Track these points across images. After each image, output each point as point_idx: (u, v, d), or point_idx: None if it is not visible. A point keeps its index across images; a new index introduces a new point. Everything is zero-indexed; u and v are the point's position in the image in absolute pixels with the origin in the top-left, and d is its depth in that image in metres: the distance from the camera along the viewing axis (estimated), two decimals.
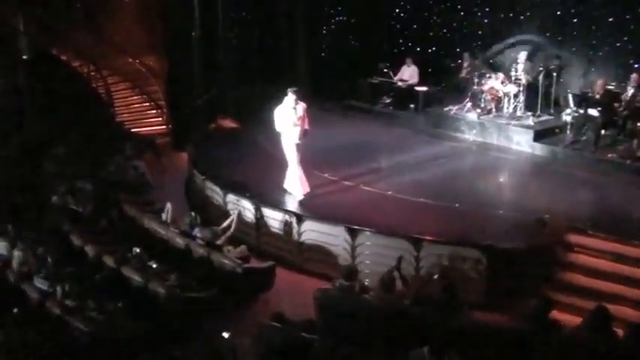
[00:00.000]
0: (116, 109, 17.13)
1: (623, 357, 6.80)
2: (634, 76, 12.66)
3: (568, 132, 12.95)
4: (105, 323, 7.87)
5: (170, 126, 16.76)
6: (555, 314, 7.87)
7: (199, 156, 13.55)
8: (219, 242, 9.84)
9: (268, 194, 11.15)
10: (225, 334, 7.25)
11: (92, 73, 17.16)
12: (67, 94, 15.59)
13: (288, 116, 10.56)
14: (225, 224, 10.30)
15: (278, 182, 11.26)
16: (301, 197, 10.88)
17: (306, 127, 10.73)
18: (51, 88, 15.43)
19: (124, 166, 13.12)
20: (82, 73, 17.25)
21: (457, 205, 10.63)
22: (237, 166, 12.55)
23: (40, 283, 8.66)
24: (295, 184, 10.95)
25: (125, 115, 17.30)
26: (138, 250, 9.37)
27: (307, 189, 10.98)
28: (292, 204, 10.82)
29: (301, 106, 10.62)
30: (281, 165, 11.17)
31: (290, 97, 10.52)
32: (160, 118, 17.35)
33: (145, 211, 10.98)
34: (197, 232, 10.00)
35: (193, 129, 15.38)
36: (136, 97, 17.93)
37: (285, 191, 11.07)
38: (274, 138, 11.11)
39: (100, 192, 11.48)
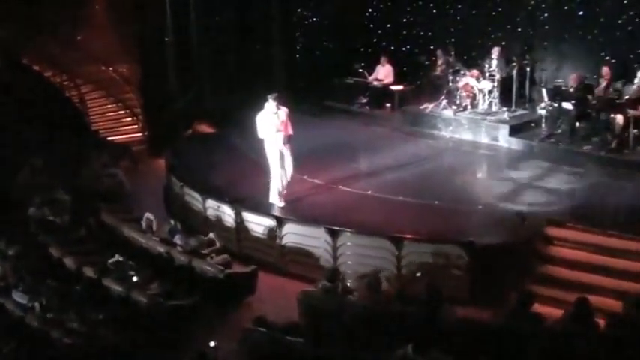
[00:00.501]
0: (91, 117, 16.98)
1: (605, 347, 6.87)
2: (605, 68, 12.82)
3: (543, 126, 13.06)
4: (86, 334, 7.79)
5: (146, 133, 16.65)
6: (537, 307, 7.96)
7: (177, 162, 13.46)
8: (204, 252, 9.77)
9: (248, 198, 11.10)
10: (212, 343, 7.22)
11: (65, 82, 17.00)
12: (41, 104, 15.42)
13: (271, 122, 10.38)
14: (209, 236, 10.24)
15: (257, 186, 11.22)
16: (282, 205, 10.75)
17: (290, 132, 10.58)
18: (24, 98, 15.24)
19: (101, 175, 13.01)
20: (55, 82, 17.08)
21: (436, 202, 10.67)
22: (216, 171, 12.49)
23: (19, 297, 8.55)
24: (274, 193, 10.80)
25: (100, 123, 17.17)
26: (120, 259, 9.27)
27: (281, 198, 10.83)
28: (272, 207, 10.78)
29: (283, 110, 10.48)
30: (259, 169, 11.13)
31: (271, 103, 10.38)
32: (136, 126, 17.24)
33: (123, 220, 10.89)
34: (178, 239, 9.94)
35: (170, 135, 15.29)
36: (110, 105, 17.81)
37: (264, 195, 11.02)
38: (252, 142, 11.06)
39: (78, 202, 11.36)
